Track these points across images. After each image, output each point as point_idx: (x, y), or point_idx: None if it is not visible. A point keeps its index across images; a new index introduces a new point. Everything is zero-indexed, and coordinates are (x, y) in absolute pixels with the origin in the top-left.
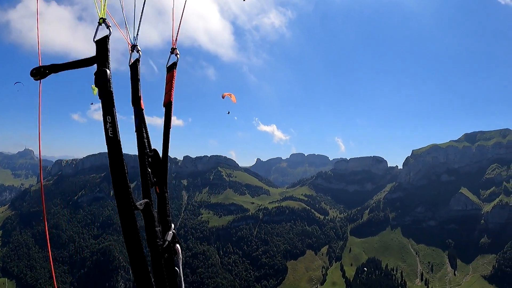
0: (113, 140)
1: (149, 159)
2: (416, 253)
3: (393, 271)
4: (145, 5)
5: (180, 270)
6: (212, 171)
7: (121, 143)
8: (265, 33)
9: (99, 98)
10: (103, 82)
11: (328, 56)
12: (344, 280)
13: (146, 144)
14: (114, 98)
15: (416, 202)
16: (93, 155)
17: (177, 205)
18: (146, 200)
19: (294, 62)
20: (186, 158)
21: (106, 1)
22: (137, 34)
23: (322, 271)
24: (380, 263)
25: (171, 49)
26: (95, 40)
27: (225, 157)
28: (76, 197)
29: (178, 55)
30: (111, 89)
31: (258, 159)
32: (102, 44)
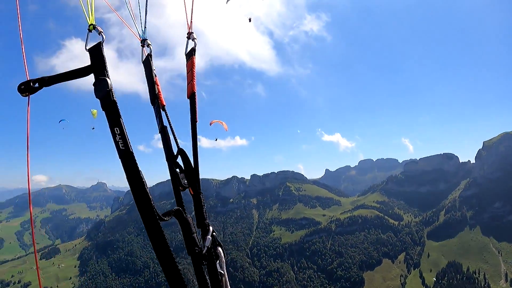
0: (125, 152)
1: (177, 160)
2: (499, 252)
3: (475, 274)
4: None
5: (224, 273)
6: (281, 187)
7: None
8: (305, 42)
9: (103, 110)
10: (104, 93)
11: (377, 54)
12: (424, 287)
13: (173, 144)
14: (119, 107)
15: (493, 197)
16: (161, 182)
17: (248, 224)
18: (177, 208)
19: (343, 66)
20: (254, 176)
21: (94, 6)
22: (145, 27)
23: (400, 280)
24: (461, 267)
25: (187, 34)
26: (87, 48)
27: (292, 171)
28: None
29: (195, 40)
30: (115, 99)
31: (327, 170)
32: (96, 52)
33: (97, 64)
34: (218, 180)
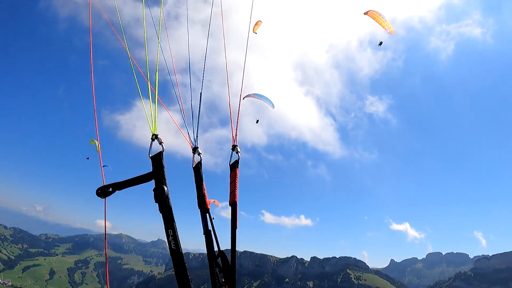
0: (176, 252)
1: (217, 261)
2: None
3: None
4: (200, 108)
5: None
6: (340, 273)
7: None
8: (369, 125)
9: (160, 212)
10: (161, 199)
11: (446, 140)
12: None
13: (216, 246)
14: (173, 213)
15: None
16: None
17: None
18: None
19: (410, 152)
20: (313, 259)
21: (156, 118)
22: (197, 136)
23: None
24: None
25: (232, 146)
26: (150, 155)
27: (354, 258)
28: None
29: (239, 153)
30: (170, 205)
31: (392, 260)
32: (157, 160)
33: (158, 172)
34: (277, 257)
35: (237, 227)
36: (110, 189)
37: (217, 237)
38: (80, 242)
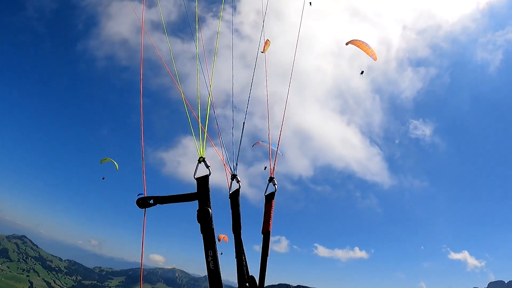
0: (214, 272)
1: (247, 285)
2: None
3: None
4: (242, 136)
5: None
6: None
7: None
8: (416, 151)
9: (201, 233)
10: (205, 221)
11: (504, 161)
12: None
13: (245, 270)
14: (215, 235)
15: None
16: None
17: None
18: None
19: (463, 176)
20: None
21: (205, 142)
22: (236, 164)
23: None
24: None
25: (269, 178)
26: (195, 177)
27: None
28: None
29: (276, 185)
30: (213, 227)
31: None
32: (202, 183)
33: (202, 194)
34: None
35: (268, 255)
36: (152, 201)
37: (247, 263)
38: (134, 276)
